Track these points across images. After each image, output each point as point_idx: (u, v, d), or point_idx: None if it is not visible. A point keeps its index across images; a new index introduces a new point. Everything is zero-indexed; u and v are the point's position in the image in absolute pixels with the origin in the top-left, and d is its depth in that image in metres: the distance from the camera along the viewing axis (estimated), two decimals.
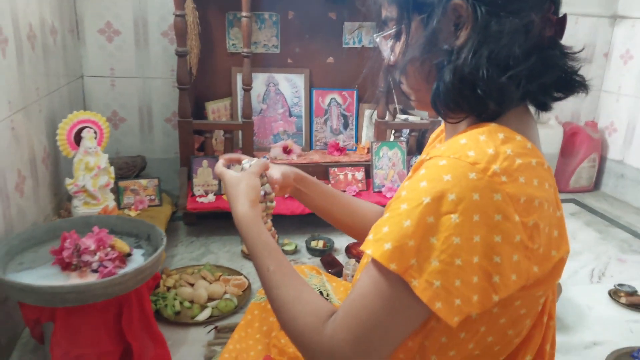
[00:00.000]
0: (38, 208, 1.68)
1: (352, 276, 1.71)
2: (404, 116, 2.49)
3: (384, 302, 0.57)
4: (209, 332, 1.51)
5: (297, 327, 0.64)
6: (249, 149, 2.22)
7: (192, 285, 1.71)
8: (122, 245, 1.30)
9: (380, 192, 2.28)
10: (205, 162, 2.16)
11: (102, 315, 1.24)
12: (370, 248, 0.57)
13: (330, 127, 2.56)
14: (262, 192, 0.84)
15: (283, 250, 2.01)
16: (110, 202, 1.90)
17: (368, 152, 2.45)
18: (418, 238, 0.55)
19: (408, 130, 2.44)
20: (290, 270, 0.69)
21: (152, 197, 2.00)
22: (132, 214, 1.90)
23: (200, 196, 2.12)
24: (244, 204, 0.76)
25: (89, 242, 1.25)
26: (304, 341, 0.63)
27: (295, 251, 2.05)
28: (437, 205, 0.55)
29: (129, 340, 1.26)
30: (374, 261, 0.58)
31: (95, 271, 1.23)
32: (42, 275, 1.22)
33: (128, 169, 2.32)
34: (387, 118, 2.35)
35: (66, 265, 1.24)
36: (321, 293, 1.21)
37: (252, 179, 0.80)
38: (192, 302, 1.65)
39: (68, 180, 1.81)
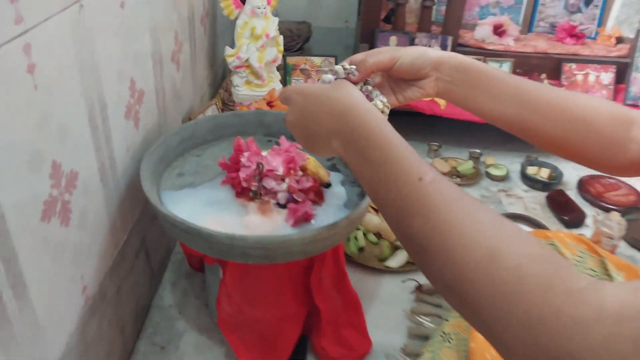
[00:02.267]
0: (194, 85, 1.29)
1: (611, 240, 1.17)
2: None
3: None
4: (411, 291, 1.10)
5: (516, 282, 0.35)
6: (453, 26, 1.61)
7: (377, 212, 1.29)
8: (319, 169, 0.87)
9: (635, 105, 1.59)
10: (393, 40, 1.61)
11: (288, 270, 0.86)
12: None
13: (566, 1, 1.82)
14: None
15: (488, 175, 1.50)
16: (277, 84, 1.47)
17: (617, 43, 1.72)
18: None
19: None
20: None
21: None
22: None
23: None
24: (343, 90, 0.52)
25: (275, 161, 0.83)
26: (534, 307, 0.34)
27: (504, 178, 1.52)
28: None
29: (317, 302, 0.89)
30: None
31: (282, 206, 0.82)
32: (209, 201, 0.84)
33: (291, 38, 1.85)
34: None
35: (242, 191, 0.84)
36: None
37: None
38: (379, 236, 1.24)
39: (229, 50, 1.39)
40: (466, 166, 1.52)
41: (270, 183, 0.82)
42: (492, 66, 0.61)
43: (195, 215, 0.80)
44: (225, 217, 0.81)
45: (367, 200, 0.80)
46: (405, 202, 0.43)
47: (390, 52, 0.59)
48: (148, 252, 1.01)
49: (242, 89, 1.43)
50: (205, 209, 0.82)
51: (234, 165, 0.86)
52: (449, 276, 0.39)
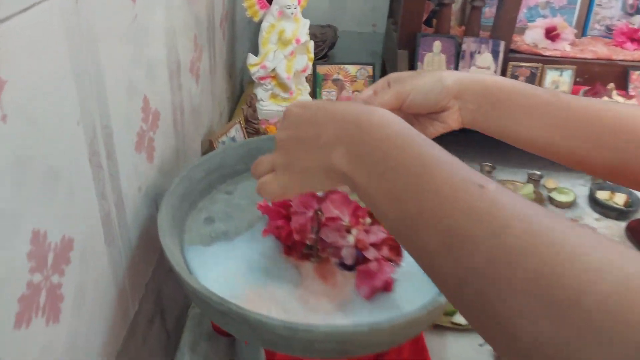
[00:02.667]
0: (213, 99, 1.08)
1: None
2: None
3: None
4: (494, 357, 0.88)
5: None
6: (505, 29, 1.40)
7: None
8: None
9: None
10: (437, 45, 1.41)
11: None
12: None
13: (624, 2, 1.62)
14: None
15: (551, 201, 1.29)
16: (306, 97, 1.26)
17: None
18: None
19: None
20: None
21: None
22: None
23: None
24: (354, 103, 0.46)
25: (337, 206, 0.62)
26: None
27: (571, 204, 1.31)
28: None
29: None
30: None
31: (348, 267, 0.61)
32: (250, 262, 0.63)
33: (316, 44, 1.64)
34: None
35: (292, 245, 0.63)
36: None
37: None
38: None
39: (252, 59, 1.18)
40: (526, 190, 1.31)
41: (331, 235, 0.61)
42: (524, 84, 0.52)
43: (234, 285, 0.59)
44: (273, 286, 0.59)
45: None
46: (461, 221, 0.30)
47: (396, 89, 0.51)
48: (163, 313, 0.79)
49: (267, 104, 1.23)
50: (246, 273, 0.61)
51: (278, 210, 0.65)
52: (559, 325, 0.24)
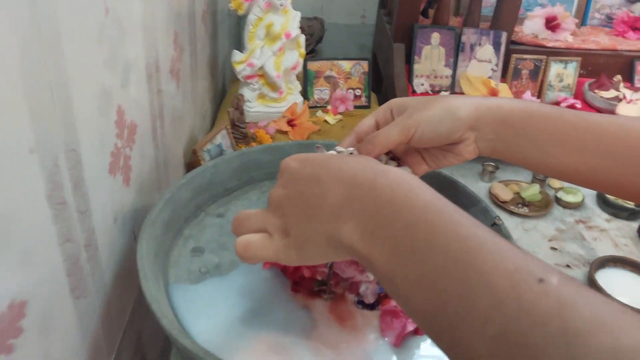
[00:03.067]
0: (194, 102, 0.97)
1: None
2: None
3: None
4: None
5: None
6: (507, 20, 1.32)
7: None
8: None
9: None
10: (435, 37, 1.31)
11: None
12: None
13: None
14: None
15: (558, 202, 1.21)
16: (297, 97, 1.16)
17: None
18: None
19: None
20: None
21: (358, 92, 1.22)
22: (330, 119, 1.15)
23: (425, 94, 1.31)
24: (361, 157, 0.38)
25: None
26: None
27: (579, 205, 1.24)
28: None
29: None
30: None
31: (369, 306, 0.52)
32: (250, 303, 0.53)
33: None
34: None
35: (300, 281, 0.54)
36: None
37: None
38: None
39: (238, 56, 1.07)
40: (532, 191, 1.24)
41: (347, 270, 0.52)
42: (545, 105, 0.46)
43: (231, 332, 0.49)
44: (280, 333, 0.50)
45: None
46: (521, 326, 0.23)
47: (402, 123, 0.45)
48: (144, 354, 0.69)
49: (255, 105, 1.12)
50: (245, 317, 0.51)
51: None
52: None
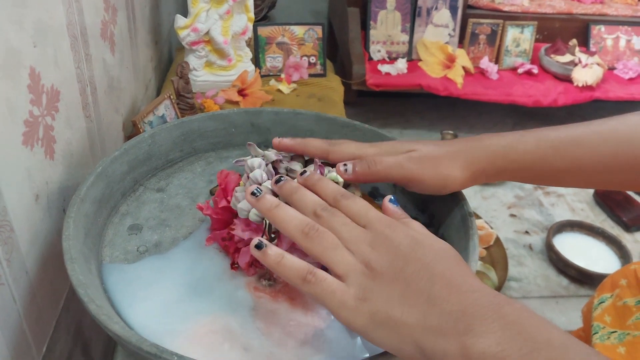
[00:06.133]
0: (135, 71, 0.90)
1: None
2: None
3: None
4: None
5: None
6: None
7: None
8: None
9: None
10: (391, 1, 1.27)
11: None
12: None
13: None
14: None
15: None
16: (248, 65, 1.10)
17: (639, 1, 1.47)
18: None
19: None
20: None
21: (313, 59, 1.17)
22: (284, 88, 1.10)
23: (382, 62, 1.27)
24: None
25: None
26: None
27: None
28: None
29: None
30: None
31: None
32: (192, 282, 0.49)
33: (255, 4, 1.46)
34: None
35: (240, 256, 0.50)
36: None
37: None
38: None
39: (181, 21, 1.00)
40: None
41: (296, 254, 0.48)
42: (542, 145, 0.46)
43: (172, 315, 0.45)
44: (225, 315, 0.46)
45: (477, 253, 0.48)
46: None
47: (404, 172, 0.45)
48: (86, 345, 0.64)
49: (202, 74, 1.06)
50: (187, 299, 0.47)
51: (223, 218, 0.51)
52: None
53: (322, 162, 0.49)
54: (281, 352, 0.43)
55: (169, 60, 1.25)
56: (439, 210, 0.57)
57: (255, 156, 0.51)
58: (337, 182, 0.47)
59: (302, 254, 0.47)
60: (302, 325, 0.46)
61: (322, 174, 0.48)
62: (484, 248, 0.96)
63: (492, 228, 0.98)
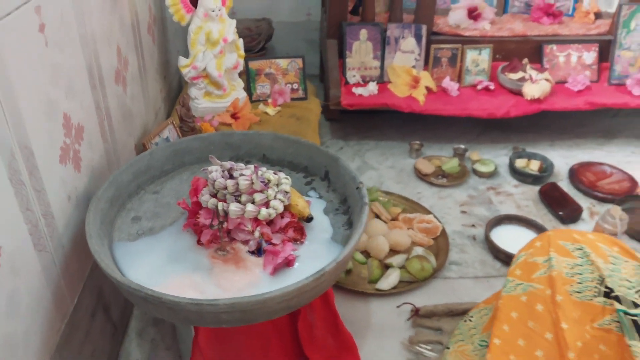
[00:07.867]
0: (146, 101, 1.15)
1: (614, 237, 1.09)
2: None
3: None
4: (408, 318, 0.99)
5: None
6: (426, 13, 1.49)
7: None
8: (298, 200, 0.75)
9: (620, 84, 1.52)
10: (363, 33, 1.49)
11: (272, 325, 0.74)
12: None
13: None
14: None
15: (474, 172, 1.37)
16: (240, 93, 1.33)
17: (596, 19, 1.64)
18: None
19: None
20: None
21: (295, 85, 1.40)
22: (270, 110, 1.33)
23: (357, 85, 1.49)
24: None
25: (240, 219, 0.70)
26: None
27: (492, 174, 1.42)
28: None
29: (308, 354, 0.78)
30: None
31: (254, 253, 0.70)
32: (173, 253, 0.72)
33: (252, 38, 1.70)
34: None
35: (202, 235, 0.72)
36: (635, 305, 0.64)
37: None
38: (367, 255, 1.13)
39: (182, 61, 1.24)
40: (451, 164, 1.42)
41: (241, 235, 0.70)
42: None
43: (157, 274, 0.68)
44: (193, 273, 0.68)
45: (358, 234, 0.68)
46: None
47: None
48: (107, 306, 0.87)
49: (202, 102, 1.29)
50: (168, 264, 0.69)
51: (194, 206, 0.74)
52: None
53: (257, 164, 0.70)
54: (225, 294, 0.65)
55: (178, 89, 1.50)
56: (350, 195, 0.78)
57: (215, 165, 0.73)
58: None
59: (246, 233, 0.69)
60: (242, 280, 0.67)
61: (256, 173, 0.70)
62: (432, 238, 1.16)
63: (440, 222, 1.17)
